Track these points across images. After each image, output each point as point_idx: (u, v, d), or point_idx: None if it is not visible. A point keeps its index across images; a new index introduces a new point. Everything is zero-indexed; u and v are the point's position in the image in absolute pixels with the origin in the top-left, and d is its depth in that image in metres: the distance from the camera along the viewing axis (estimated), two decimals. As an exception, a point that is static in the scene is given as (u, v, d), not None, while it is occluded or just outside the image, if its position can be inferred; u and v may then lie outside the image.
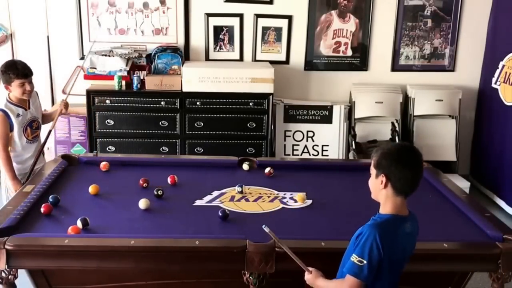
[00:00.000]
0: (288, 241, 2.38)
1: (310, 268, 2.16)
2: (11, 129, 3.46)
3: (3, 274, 2.31)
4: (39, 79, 5.02)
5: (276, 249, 2.31)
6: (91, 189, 2.95)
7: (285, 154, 5.16)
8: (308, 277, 2.16)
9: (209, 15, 5.08)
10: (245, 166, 3.45)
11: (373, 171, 2.03)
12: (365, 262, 1.89)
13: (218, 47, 5.17)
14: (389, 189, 1.96)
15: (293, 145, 5.18)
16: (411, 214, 2.05)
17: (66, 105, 3.79)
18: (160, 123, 4.74)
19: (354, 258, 1.92)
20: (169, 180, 3.13)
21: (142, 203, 2.79)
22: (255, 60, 5.22)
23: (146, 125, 4.74)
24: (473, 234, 2.61)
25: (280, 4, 5.10)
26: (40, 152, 3.68)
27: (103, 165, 3.32)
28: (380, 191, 1.99)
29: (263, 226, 2.16)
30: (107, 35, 5.03)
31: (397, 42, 5.28)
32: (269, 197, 3.02)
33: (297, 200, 2.96)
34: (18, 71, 3.43)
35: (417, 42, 5.29)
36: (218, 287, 2.62)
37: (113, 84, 4.69)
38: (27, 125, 3.54)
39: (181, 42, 5.11)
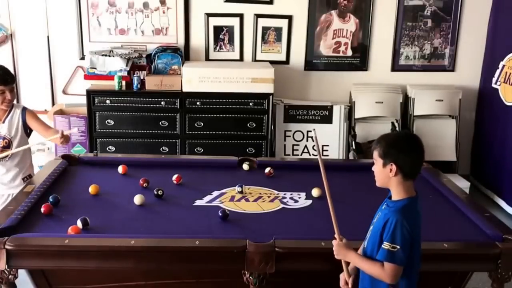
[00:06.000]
0: (288, 241, 2.40)
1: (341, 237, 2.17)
2: None
3: (3, 274, 2.31)
4: (39, 79, 5.08)
5: (276, 249, 2.32)
6: (91, 189, 2.95)
7: (285, 154, 5.16)
8: (339, 246, 2.14)
9: (209, 15, 5.08)
10: (245, 166, 3.45)
11: (379, 161, 2.09)
12: (398, 247, 1.98)
13: (218, 47, 5.17)
14: (400, 176, 2.04)
15: (293, 145, 5.18)
16: (417, 192, 2.14)
17: (66, 138, 3.17)
18: (160, 123, 4.74)
19: (387, 245, 1.99)
20: (174, 180, 3.13)
21: (137, 199, 2.83)
22: (255, 60, 5.21)
23: (146, 125, 4.73)
24: (473, 234, 2.61)
25: (280, 4, 5.10)
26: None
27: (122, 168, 3.28)
28: (390, 179, 2.08)
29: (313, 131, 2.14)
30: (107, 35, 5.04)
31: (397, 42, 5.28)
32: (269, 197, 3.02)
33: (313, 194, 3.01)
34: None
35: (417, 42, 5.29)
36: (218, 287, 2.62)
37: (113, 84, 4.69)
38: None
39: (181, 42, 5.11)
